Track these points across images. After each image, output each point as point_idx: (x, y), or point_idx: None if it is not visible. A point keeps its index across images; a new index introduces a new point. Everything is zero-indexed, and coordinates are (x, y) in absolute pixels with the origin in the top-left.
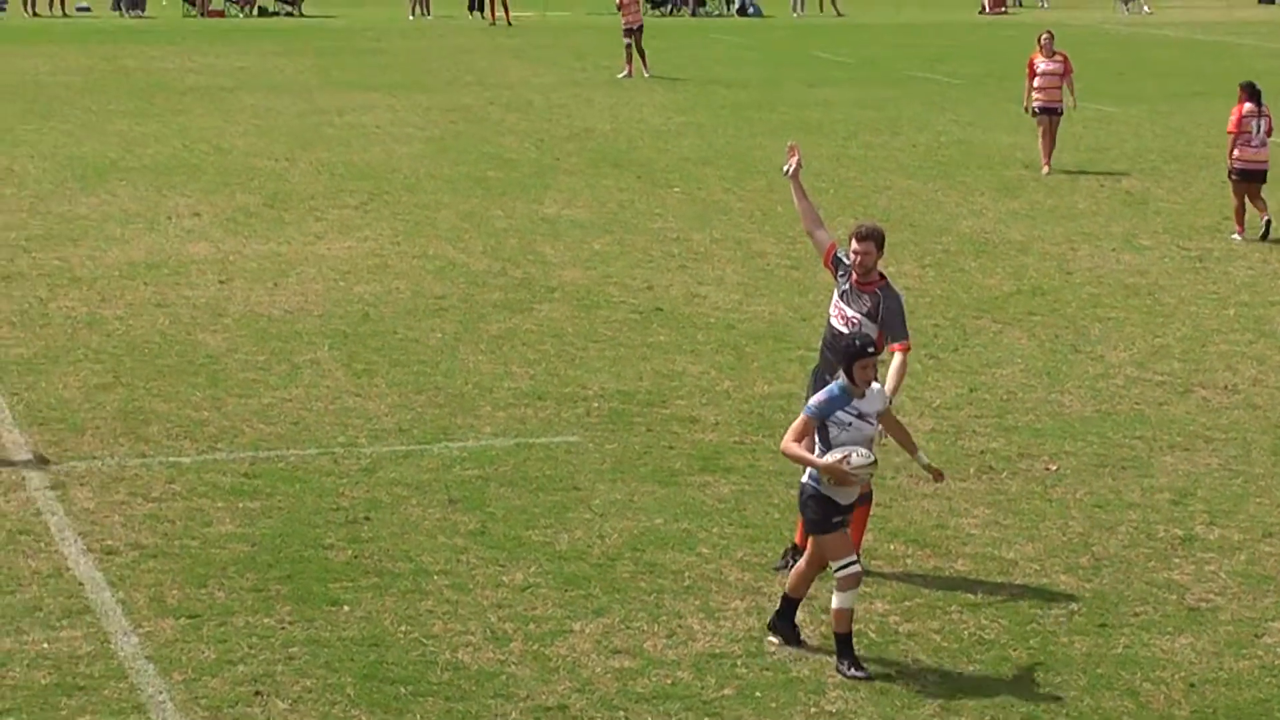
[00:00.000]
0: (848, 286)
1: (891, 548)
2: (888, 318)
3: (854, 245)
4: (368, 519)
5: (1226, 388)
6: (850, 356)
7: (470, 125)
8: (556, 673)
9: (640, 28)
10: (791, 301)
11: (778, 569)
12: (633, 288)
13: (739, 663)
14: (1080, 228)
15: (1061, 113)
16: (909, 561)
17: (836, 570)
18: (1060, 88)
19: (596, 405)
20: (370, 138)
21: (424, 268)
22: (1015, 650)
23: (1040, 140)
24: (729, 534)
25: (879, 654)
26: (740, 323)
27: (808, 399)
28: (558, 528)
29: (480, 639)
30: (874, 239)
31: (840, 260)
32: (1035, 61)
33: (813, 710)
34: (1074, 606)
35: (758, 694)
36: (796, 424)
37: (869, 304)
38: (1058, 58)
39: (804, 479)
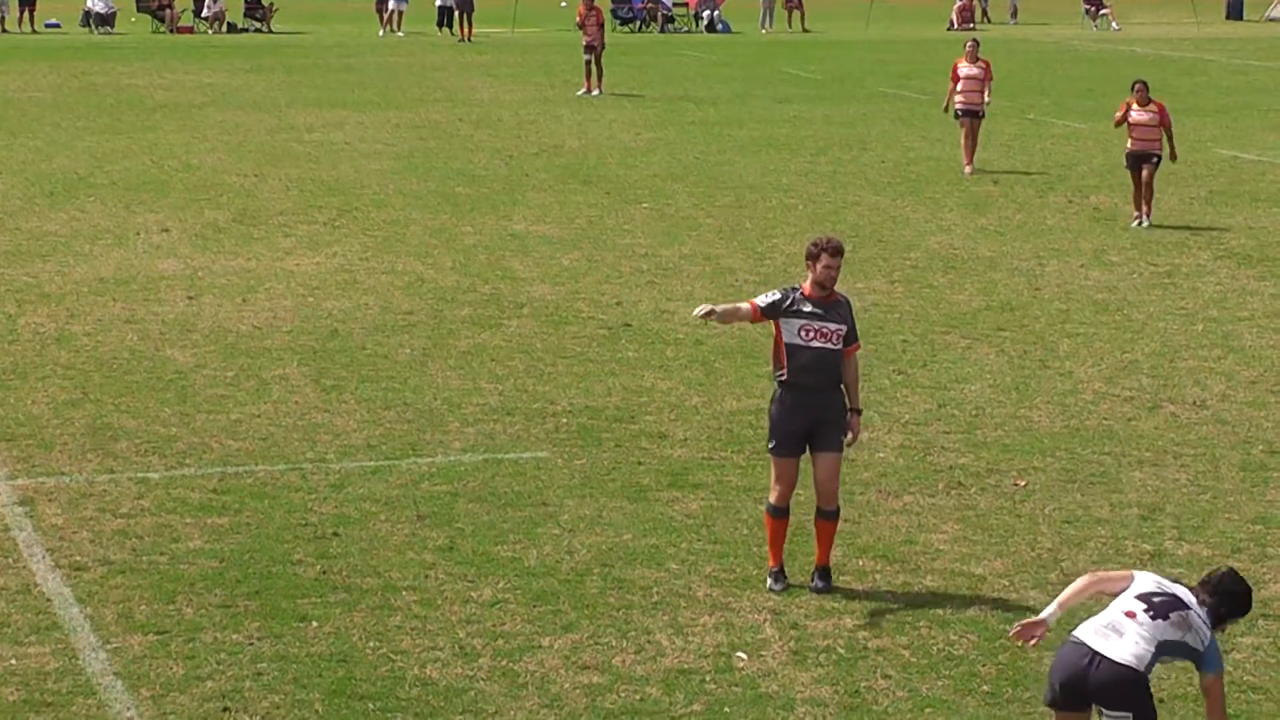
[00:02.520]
0: (810, 307)
1: (860, 563)
2: (852, 321)
3: (825, 261)
4: (336, 535)
5: (1195, 403)
6: None
7: (439, 141)
8: (525, 689)
9: (600, 46)
10: None
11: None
12: (602, 303)
13: (708, 679)
14: (1049, 243)
15: (983, 115)
16: (878, 577)
17: None
18: (981, 91)
19: (565, 421)
20: (339, 154)
21: (393, 283)
22: (984, 666)
23: (963, 141)
24: (697, 550)
25: (848, 670)
26: (709, 339)
27: (771, 433)
28: (526, 543)
29: (449, 655)
30: (842, 252)
31: (778, 300)
32: (959, 67)
33: None
34: None
35: (726, 710)
36: None
37: (842, 311)
38: (980, 63)
39: None
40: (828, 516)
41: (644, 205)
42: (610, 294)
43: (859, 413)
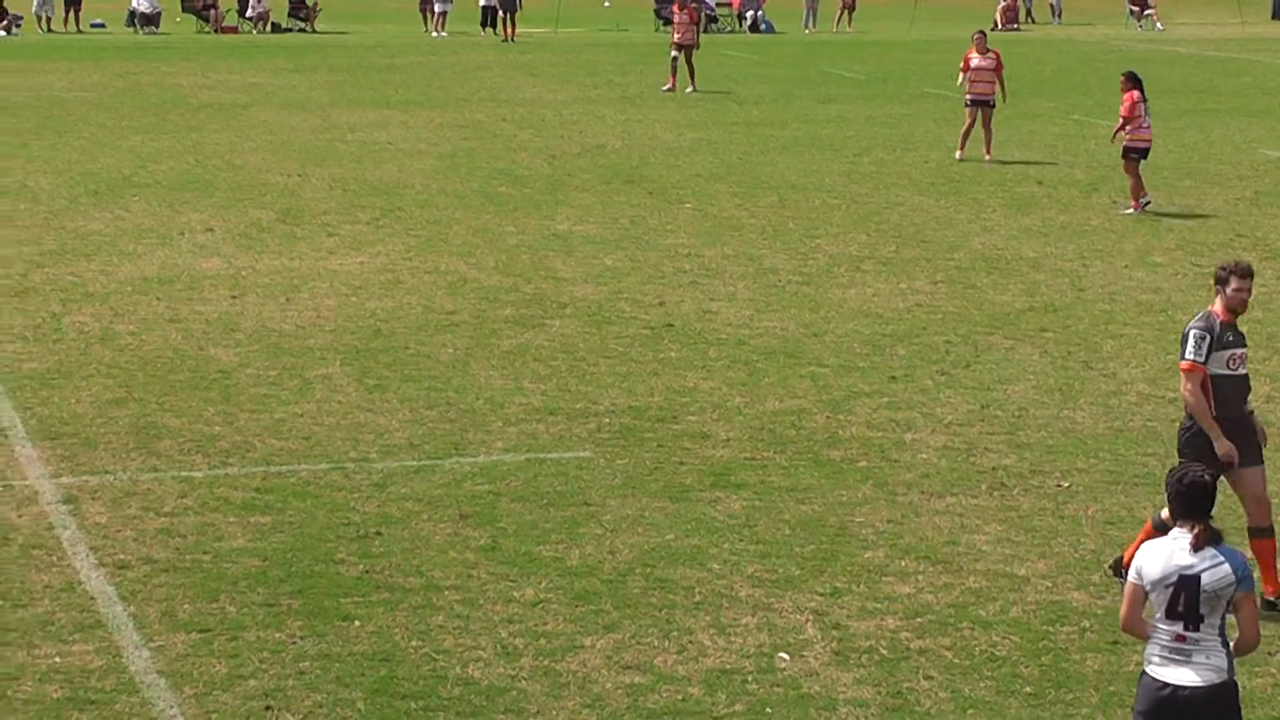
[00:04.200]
0: (1230, 336)
1: (903, 564)
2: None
3: (1237, 283)
4: (379, 534)
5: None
6: None
7: (482, 141)
8: (567, 688)
9: (692, 44)
10: (803, 318)
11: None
12: (644, 303)
13: (750, 679)
14: (1093, 244)
15: (993, 105)
16: (920, 578)
17: None
18: (993, 82)
19: (608, 421)
20: (383, 154)
21: (436, 283)
22: (1027, 667)
23: (964, 127)
24: (740, 550)
25: (890, 671)
26: (751, 339)
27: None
28: (569, 543)
29: (491, 654)
30: (1253, 274)
31: (1207, 342)
32: (970, 57)
33: None
34: (1086, 624)
35: (768, 710)
36: None
37: (1241, 330)
38: (990, 55)
39: None
40: (1268, 534)
41: (687, 205)
42: (653, 294)
43: (1253, 413)
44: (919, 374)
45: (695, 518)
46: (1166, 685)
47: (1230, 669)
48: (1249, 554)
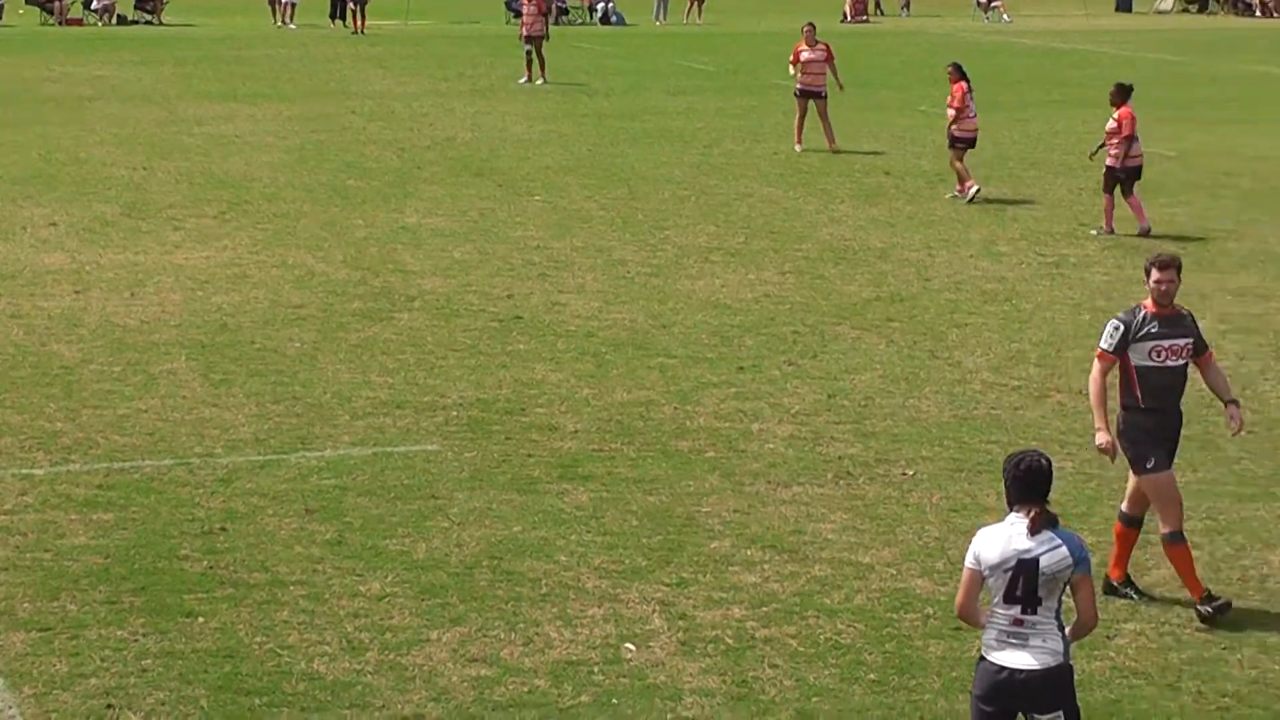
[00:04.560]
0: (1155, 327)
1: (749, 553)
2: (1199, 329)
3: (1157, 275)
4: (224, 529)
5: (1082, 392)
6: None
7: (331, 134)
8: (413, 682)
9: (541, 36)
10: (651, 309)
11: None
12: (493, 296)
13: (596, 670)
14: (939, 234)
15: (825, 96)
16: (766, 567)
17: None
18: (823, 73)
19: (455, 414)
20: (230, 147)
21: (283, 277)
22: (871, 654)
23: (796, 119)
24: (586, 541)
25: (735, 660)
26: (600, 330)
27: (1133, 459)
28: (415, 536)
29: (336, 649)
30: (1176, 266)
31: (1121, 333)
32: (800, 50)
33: (669, 717)
34: (929, 611)
35: (614, 701)
36: None
37: (1187, 323)
38: (820, 47)
39: None
40: (1133, 523)
41: (536, 198)
42: (501, 286)
43: (1237, 403)
44: (766, 364)
45: (542, 510)
46: (1004, 669)
47: (1066, 652)
48: (1111, 538)
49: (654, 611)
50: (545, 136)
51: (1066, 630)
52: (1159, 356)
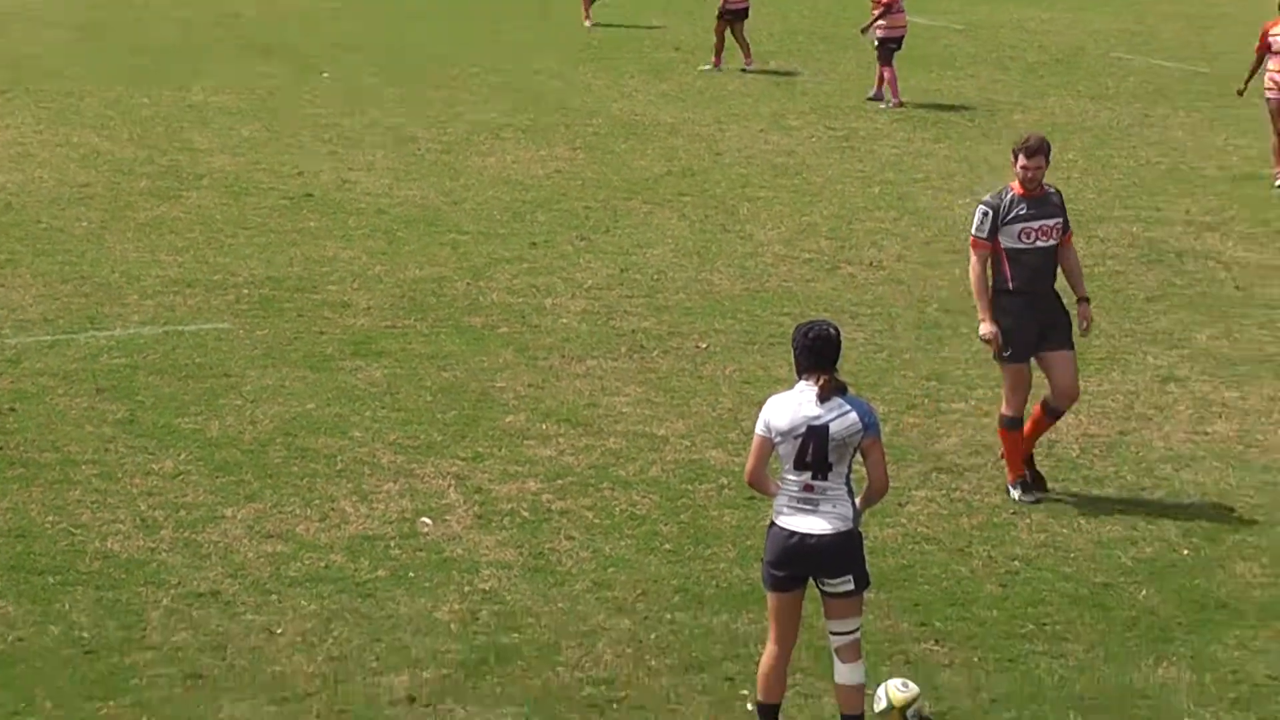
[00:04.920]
0: (1023, 209)
1: (544, 427)
2: (1064, 208)
3: (1023, 161)
4: (13, 410)
5: (872, 264)
6: None
7: (116, 11)
8: (208, 559)
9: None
10: (442, 186)
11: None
12: (283, 174)
13: (393, 544)
14: (729, 109)
15: None
16: (561, 440)
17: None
18: None
19: (246, 292)
20: (10, 23)
21: (68, 156)
22: (666, 525)
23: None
24: (381, 418)
25: (532, 532)
26: (391, 208)
27: (1002, 349)
28: (208, 414)
29: (130, 527)
30: (1044, 151)
31: (990, 218)
32: None
33: (466, 589)
34: (724, 481)
35: (411, 575)
36: None
37: (1055, 202)
38: None
39: None
40: (1056, 415)
41: (325, 75)
42: (291, 164)
43: (1088, 300)
44: (559, 240)
45: (336, 386)
46: (794, 534)
47: (855, 518)
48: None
49: (450, 486)
50: (333, 13)
51: (858, 498)
52: (1029, 238)
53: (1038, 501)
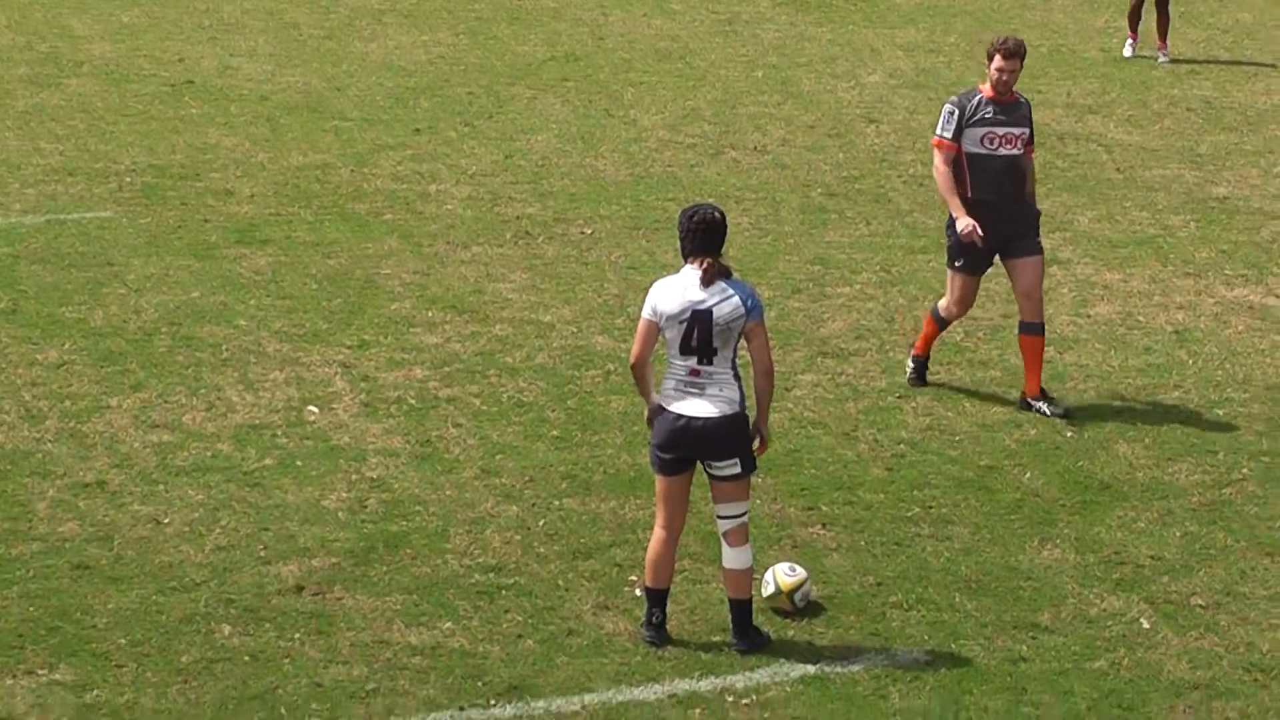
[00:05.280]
0: (990, 113)
1: (430, 314)
2: (1033, 120)
3: (999, 63)
4: None
5: (756, 148)
6: None
7: None
8: (94, 449)
9: None
10: (325, 72)
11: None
12: (163, 61)
13: (279, 433)
14: None
15: None
16: (448, 328)
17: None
18: None
19: (129, 180)
20: None
21: None
22: (554, 411)
23: None
24: (266, 305)
25: (419, 420)
26: (274, 94)
27: (951, 253)
28: (92, 304)
29: (15, 418)
30: (1021, 55)
31: (956, 118)
32: None
33: (354, 478)
34: (610, 367)
35: (298, 463)
36: None
37: (1025, 110)
38: None
39: None
40: (1036, 330)
41: None
42: (172, 50)
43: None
44: (443, 126)
45: (221, 275)
46: (681, 417)
47: (741, 401)
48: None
49: (336, 374)
50: None
51: (744, 387)
52: (991, 144)
53: (922, 381)
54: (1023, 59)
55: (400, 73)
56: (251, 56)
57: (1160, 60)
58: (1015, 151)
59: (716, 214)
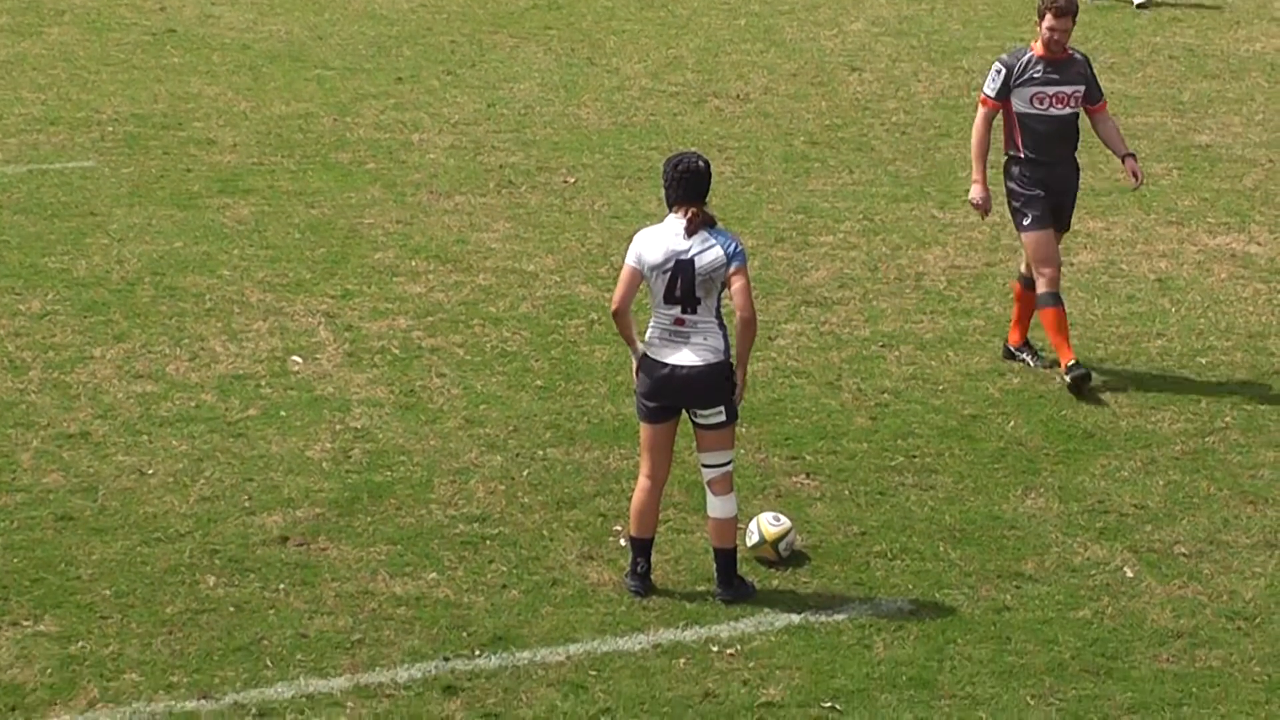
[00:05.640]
0: (1040, 71)
1: (414, 264)
2: (1093, 77)
3: (1050, 21)
4: None
5: (739, 97)
6: None
7: None
8: (78, 400)
9: None
10: (307, 20)
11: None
12: (144, 9)
13: (263, 383)
14: None
15: None
16: (431, 277)
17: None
18: None
19: (111, 129)
20: None
21: None
22: (537, 361)
23: None
24: (250, 255)
25: (403, 370)
26: (256, 43)
27: (1012, 212)
28: (75, 254)
29: None
30: (1073, 12)
31: (1003, 76)
32: None
33: (338, 428)
34: (594, 317)
35: (282, 413)
36: None
37: (1080, 68)
38: None
39: None
40: (1054, 301)
41: None
42: None
43: (1133, 156)
44: (425, 74)
45: (203, 225)
46: (666, 365)
47: (725, 350)
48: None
49: (319, 324)
50: None
51: (729, 336)
52: (1042, 104)
53: (1080, 383)
54: (1074, 16)
55: (382, 21)
56: (233, 5)
57: (1136, 4)
58: (1067, 111)
59: (700, 162)
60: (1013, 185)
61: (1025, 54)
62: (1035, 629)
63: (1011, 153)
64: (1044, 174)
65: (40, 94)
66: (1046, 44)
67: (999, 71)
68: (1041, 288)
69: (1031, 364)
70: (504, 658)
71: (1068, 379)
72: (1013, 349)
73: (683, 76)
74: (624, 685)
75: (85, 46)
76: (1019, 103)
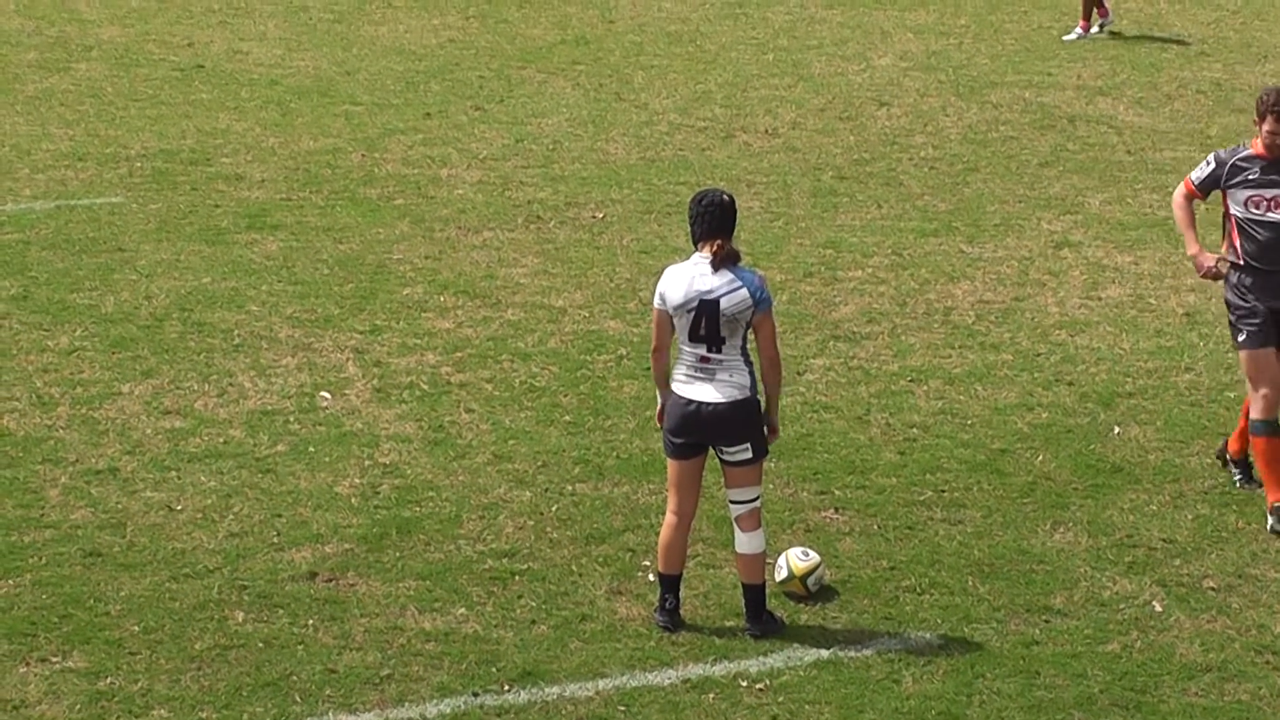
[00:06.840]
0: (1257, 173)
1: (442, 299)
2: None
3: (1270, 125)
4: None
5: (767, 132)
6: None
7: None
8: (106, 435)
9: None
10: (335, 56)
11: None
12: (173, 45)
13: (292, 419)
14: None
15: None
16: (460, 313)
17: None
18: None
19: (139, 165)
20: None
21: None
22: (566, 396)
23: None
24: (278, 291)
25: (431, 405)
26: (284, 78)
27: (1233, 329)
28: (103, 290)
29: (26, 404)
30: None
31: (1211, 170)
32: None
33: (366, 463)
34: (622, 352)
35: (311, 449)
36: None
37: None
38: None
39: None
40: (1272, 431)
41: None
42: (181, 34)
43: None
44: (453, 109)
45: (232, 260)
46: (692, 402)
47: (753, 386)
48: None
49: (348, 359)
50: None
51: (755, 372)
52: (1259, 207)
53: (1249, 479)
54: None
55: (410, 56)
56: (261, 40)
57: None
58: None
59: (725, 197)
60: (1230, 296)
61: (1243, 150)
62: (1064, 663)
63: (1231, 258)
64: (1264, 282)
65: (68, 130)
66: (1268, 147)
67: (1209, 164)
68: (1255, 414)
69: (1238, 483)
70: (533, 693)
71: (1270, 519)
72: (1226, 456)
73: (711, 111)
74: None
75: (113, 82)
76: (1235, 206)
